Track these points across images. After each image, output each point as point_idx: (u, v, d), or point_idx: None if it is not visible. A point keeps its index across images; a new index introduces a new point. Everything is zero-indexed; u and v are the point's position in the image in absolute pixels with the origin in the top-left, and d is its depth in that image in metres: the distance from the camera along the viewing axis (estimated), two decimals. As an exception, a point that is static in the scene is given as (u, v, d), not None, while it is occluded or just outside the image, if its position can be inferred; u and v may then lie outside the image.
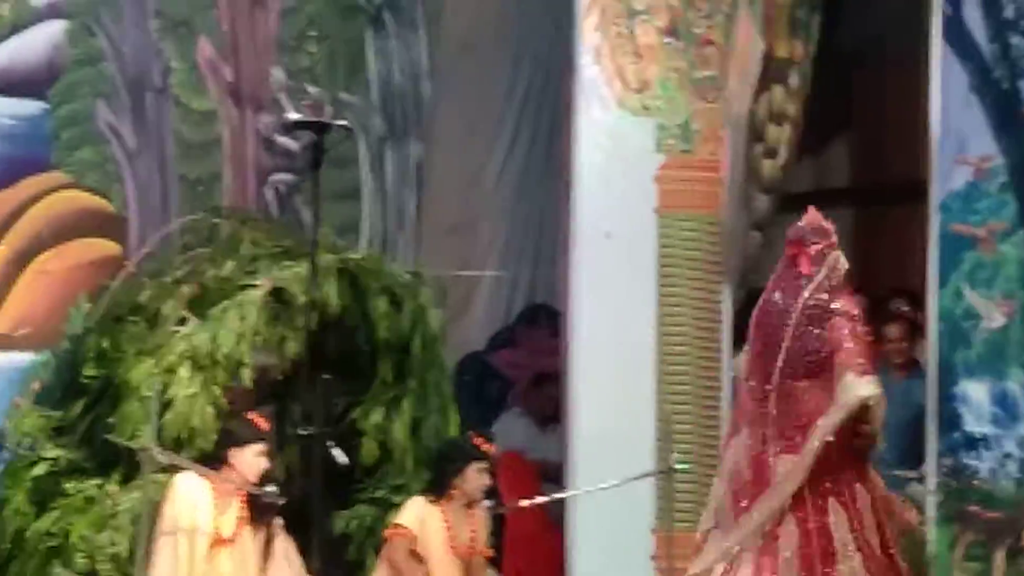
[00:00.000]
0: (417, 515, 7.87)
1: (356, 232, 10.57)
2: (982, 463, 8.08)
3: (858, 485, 6.57)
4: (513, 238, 10.81)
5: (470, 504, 7.99)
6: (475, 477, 7.93)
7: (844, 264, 6.79)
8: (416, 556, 7.82)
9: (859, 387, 6.41)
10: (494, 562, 8.50)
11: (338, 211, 10.50)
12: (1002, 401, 7.97)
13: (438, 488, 7.95)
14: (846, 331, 6.53)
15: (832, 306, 6.61)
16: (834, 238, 6.88)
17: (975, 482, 8.12)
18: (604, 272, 8.71)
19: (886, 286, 9.51)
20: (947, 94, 8.32)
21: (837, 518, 6.51)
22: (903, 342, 8.81)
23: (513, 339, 10.87)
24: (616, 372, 8.67)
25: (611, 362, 8.67)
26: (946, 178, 8.30)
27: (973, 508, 8.16)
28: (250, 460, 7.68)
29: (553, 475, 9.29)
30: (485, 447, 8.00)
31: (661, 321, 8.79)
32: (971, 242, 8.26)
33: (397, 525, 7.84)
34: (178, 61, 10.35)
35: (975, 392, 8.01)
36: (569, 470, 8.65)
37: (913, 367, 8.76)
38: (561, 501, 8.53)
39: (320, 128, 6.37)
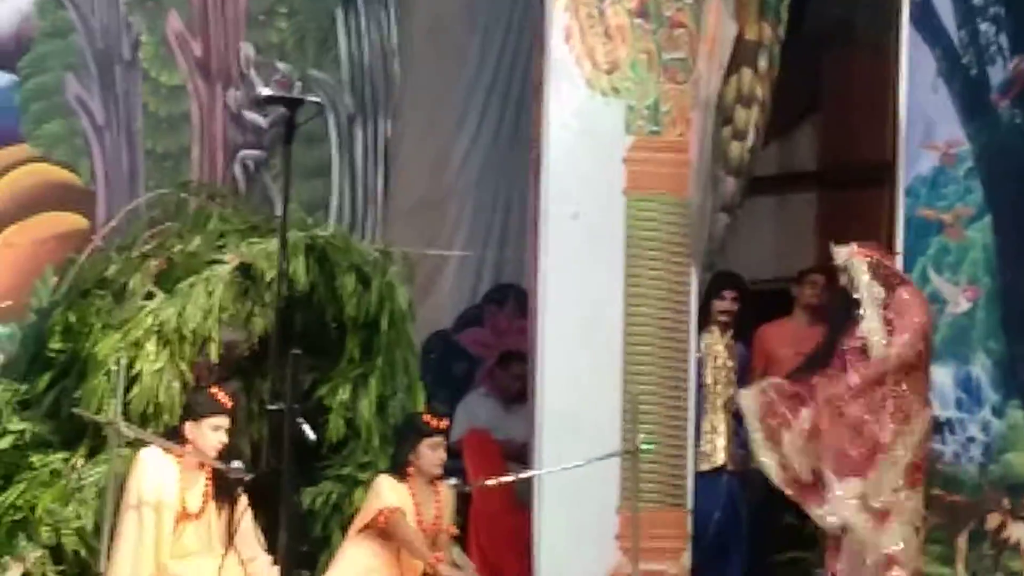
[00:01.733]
0: (393, 492, 7.90)
1: (325, 209, 10.55)
2: (946, 447, 8.16)
3: None
4: (481, 217, 10.82)
5: (433, 481, 8.01)
6: (428, 453, 7.96)
7: None
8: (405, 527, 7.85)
9: None
10: (459, 540, 8.54)
11: (307, 188, 10.49)
12: (966, 385, 8.04)
13: (397, 466, 7.99)
14: None
15: None
16: None
17: (939, 466, 8.19)
18: (572, 252, 8.71)
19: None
20: (915, 79, 8.37)
21: None
22: None
23: (480, 318, 10.88)
24: (583, 352, 8.68)
25: (578, 342, 8.68)
26: (913, 163, 8.37)
27: (936, 492, 8.23)
28: (207, 434, 7.67)
29: (519, 454, 9.31)
30: (435, 423, 8.01)
31: (628, 302, 8.80)
32: (937, 227, 8.33)
33: (383, 508, 7.85)
34: (147, 35, 10.30)
35: (940, 376, 8.08)
36: (535, 449, 8.65)
37: None
38: (527, 480, 8.54)
39: (292, 103, 6.35)
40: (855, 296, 7.85)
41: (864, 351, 7.76)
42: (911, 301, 7.73)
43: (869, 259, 7.79)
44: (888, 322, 7.64)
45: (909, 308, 7.71)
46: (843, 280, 7.93)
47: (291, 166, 6.70)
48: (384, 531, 7.85)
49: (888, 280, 7.74)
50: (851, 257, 7.87)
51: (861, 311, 7.74)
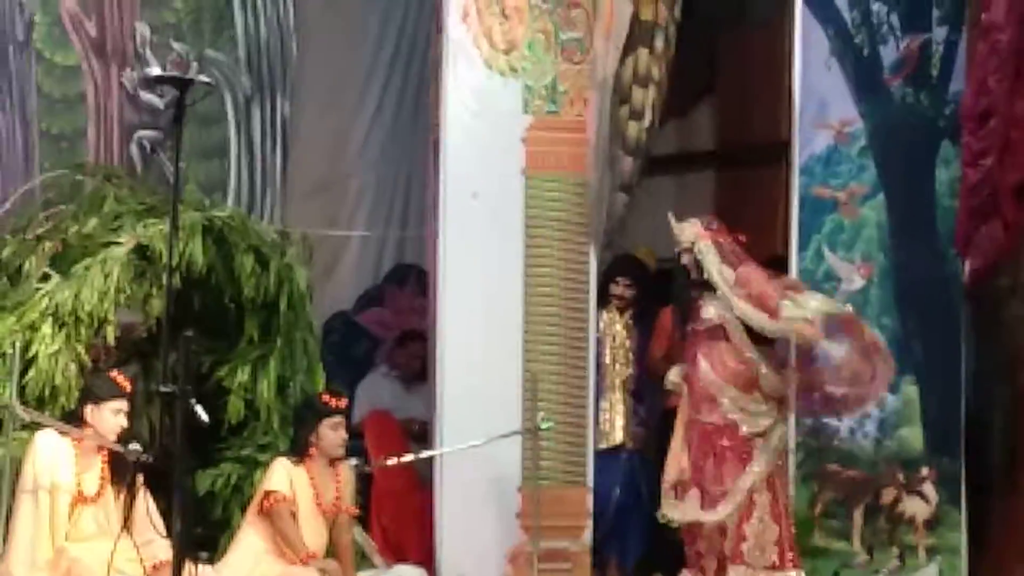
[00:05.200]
0: (286, 476, 7.87)
1: (223, 190, 10.50)
2: (841, 423, 8.24)
3: None
4: (381, 197, 10.79)
5: (333, 462, 8.00)
6: (329, 433, 7.95)
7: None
8: (293, 516, 7.84)
9: None
10: (361, 520, 8.54)
11: (204, 169, 10.43)
12: (861, 362, 8.09)
13: (298, 448, 7.97)
14: None
15: None
16: None
17: (835, 442, 8.28)
18: (471, 232, 8.73)
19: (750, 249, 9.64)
20: (808, 59, 8.44)
21: None
22: None
23: (381, 298, 10.86)
24: (483, 331, 8.71)
25: (478, 321, 8.70)
26: (807, 142, 8.44)
27: (832, 467, 8.33)
28: (107, 417, 7.62)
29: (420, 434, 9.32)
30: (334, 403, 8.00)
31: (528, 281, 8.83)
32: (832, 205, 8.40)
33: (270, 492, 7.83)
34: (41, 15, 10.19)
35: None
36: (436, 429, 8.67)
37: None
38: (428, 459, 8.56)
39: (182, 84, 6.30)
40: (699, 278, 7.73)
41: (712, 334, 7.72)
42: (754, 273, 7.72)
43: (717, 243, 7.73)
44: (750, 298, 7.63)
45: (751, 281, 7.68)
46: (685, 259, 7.79)
47: (181, 146, 6.65)
48: (292, 514, 7.83)
49: (733, 260, 7.72)
50: (698, 239, 7.77)
51: (717, 294, 7.66)
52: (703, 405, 7.70)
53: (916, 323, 8.42)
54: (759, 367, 7.65)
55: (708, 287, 7.71)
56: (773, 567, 7.54)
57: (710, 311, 7.72)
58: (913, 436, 8.36)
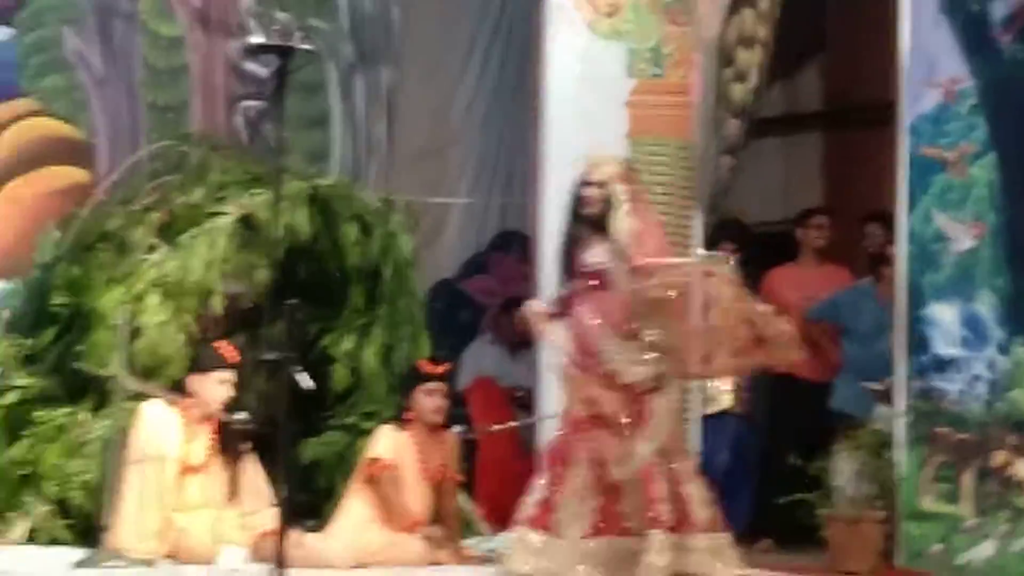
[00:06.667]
0: (390, 443, 7.88)
1: (326, 159, 10.53)
2: (951, 385, 8.10)
3: None
4: (484, 164, 10.79)
5: (437, 429, 7.99)
6: (423, 399, 7.92)
7: None
8: (397, 484, 7.85)
9: None
10: (465, 487, 8.54)
11: (308, 138, 10.47)
12: (971, 323, 7.97)
13: (398, 414, 7.98)
14: None
15: None
16: None
17: (944, 404, 8.15)
18: (575, 198, 8.68)
19: (857, 209, 9.53)
20: (916, 16, 8.27)
21: None
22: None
23: (485, 265, 10.86)
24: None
25: (582, 287, 8.65)
26: (915, 101, 8.27)
27: (942, 430, 8.19)
28: (211, 387, 7.67)
29: (524, 401, 9.30)
30: (429, 368, 7.96)
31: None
32: (941, 165, 8.24)
33: (374, 460, 7.84)
34: (145, -14, 10.29)
35: (944, 315, 8.02)
36: (540, 396, 8.64)
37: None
38: (532, 426, 8.54)
39: (284, 52, 6.30)
40: (595, 216, 7.24)
41: (595, 278, 7.25)
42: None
43: (631, 191, 7.32)
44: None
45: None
46: (590, 193, 7.25)
47: (283, 115, 6.67)
48: (396, 480, 7.85)
49: (641, 214, 7.32)
50: (614, 180, 7.30)
51: (611, 238, 7.19)
52: (581, 351, 7.25)
53: (1029, 284, 8.28)
54: (643, 315, 7.22)
55: (599, 228, 7.31)
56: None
57: (599, 254, 7.26)
58: (1025, 398, 8.22)
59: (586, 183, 7.32)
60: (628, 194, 7.32)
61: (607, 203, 7.27)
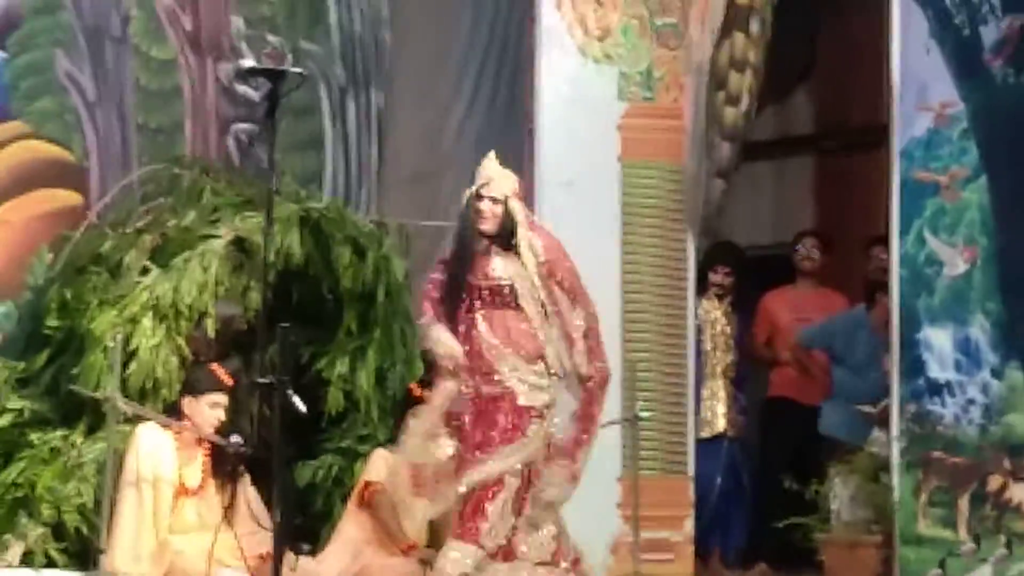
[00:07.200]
0: (385, 467, 7.87)
1: (318, 182, 10.52)
2: (946, 409, 8.13)
3: None
4: (476, 187, 10.77)
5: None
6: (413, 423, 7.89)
7: None
8: (393, 507, 7.84)
9: None
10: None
11: (300, 160, 10.45)
12: (965, 347, 8.01)
13: (393, 438, 7.95)
14: None
15: None
16: None
17: (939, 428, 8.17)
18: (567, 221, 8.68)
19: (854, 233, 9.56)
20: (907, 40, 8.32)
21: None
22: None
23: (477, 288, 10.82)
24: (580, 321, 8.65)
25: (575, 311, 8.65)
26: (907, 125, 8.32)
27: (937, 454, 8.21)
28: (205, 410, 7.66)
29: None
30: (419, 393, 7.94)
31: (625, 269, 8.79)
32: (933, 188, 8.28)
33: (369, 483, 7.83)
34: (137, 10, 10.25)
35: (938, 339, 8.05)
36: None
37: None
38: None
39: (275, 75, 6.31)
40: (494, 232, 7.19)
41: (496, 293, 7.20)
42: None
43: (524, 207, 7.32)
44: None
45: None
46: (488, 207, 7.20)
47: (275, 138, 6.66)
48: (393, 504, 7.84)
49: (536, 229, 7.32)
50: (514, 196, 7.27)
51: (514, 253, 7.17)
52: (479, 371, 7.18)
53: (1021, 308, 8.29)
54: (547, 338, 7.19)
55: (500, 243, 7.22)
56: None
57: (500, 268, 7.21)
58: (1019, 422, 8.22)
59: (481, 196, 7.27)
60: (523, 211, 7.31)
61: (504, 218, 7.22)
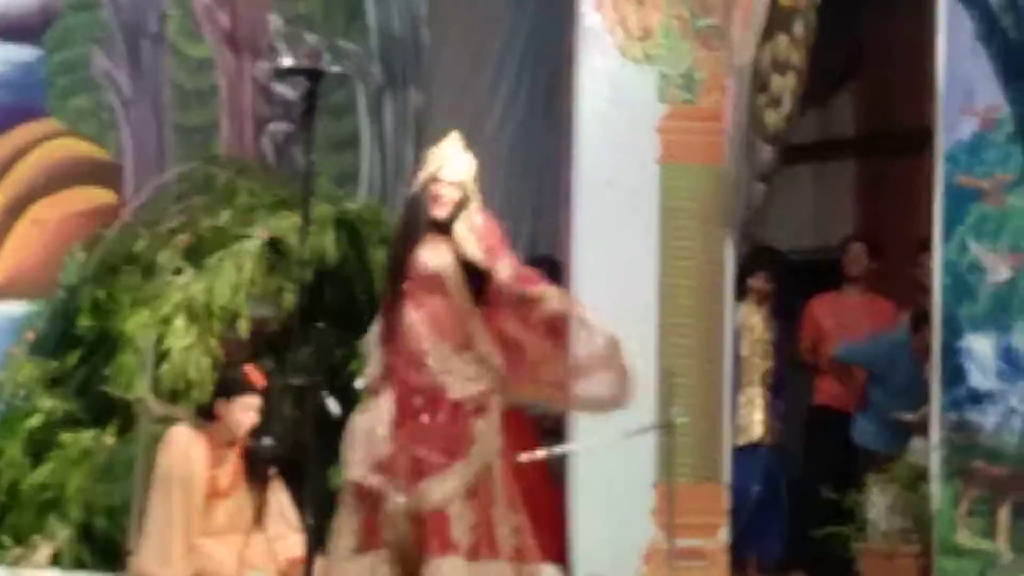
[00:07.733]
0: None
1: (355, 182, 10.48)
2: (987, 418, 8.01)
3: None
4: (515, 188, 10.69)
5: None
6: None
7: None
8: None
9: None
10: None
11: (336, 161, 10.42)
12: (1007, 356, 7.89)
13: None
14: None
15: None
16: None
17: (980, 437, 8.05)
18: (606, 223, 8.62)
19: (893, 239, 9.46)
20: (953, 43, 8.20)
21: None
22: None
23: (514, 291, 10.77)
24: (617, 324, 8.50)
25: (612, 313, 8.51)
26: (952, 129, 8.20)
27: (978, 463, 8.10)
28: (237, 412, 7.63)
29: (553, 429, 9.21)
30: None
31: (663, 273, 8.70)
32: (977, 194, 8.16)
33: None
34: (174, 7, 10.26)
35: (980, 346, 7.93)
36: (570, 424, 8.56)
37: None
38: (562, 456, 8.46)
39: (313, 75, 6.26)
40: (444, 219, 6.92)
41: (428, 282, 6.93)
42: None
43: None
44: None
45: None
46: (447, 192, 6.96)
47: (313, 137, 6.59)
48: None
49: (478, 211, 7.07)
50: (471, 181, 7.05)
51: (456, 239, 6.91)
52: (407, 362, 6.92)
53: (1066, 316, 8.19)
54: (475, 326, 6.94)
55: (441, 229, 6.96)
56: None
57: (437, 256, 6.94)
58: (1062, 433, 8.13)
59: (439, 180, 7.03)
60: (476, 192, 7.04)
61: (460, 204, 7.00)
